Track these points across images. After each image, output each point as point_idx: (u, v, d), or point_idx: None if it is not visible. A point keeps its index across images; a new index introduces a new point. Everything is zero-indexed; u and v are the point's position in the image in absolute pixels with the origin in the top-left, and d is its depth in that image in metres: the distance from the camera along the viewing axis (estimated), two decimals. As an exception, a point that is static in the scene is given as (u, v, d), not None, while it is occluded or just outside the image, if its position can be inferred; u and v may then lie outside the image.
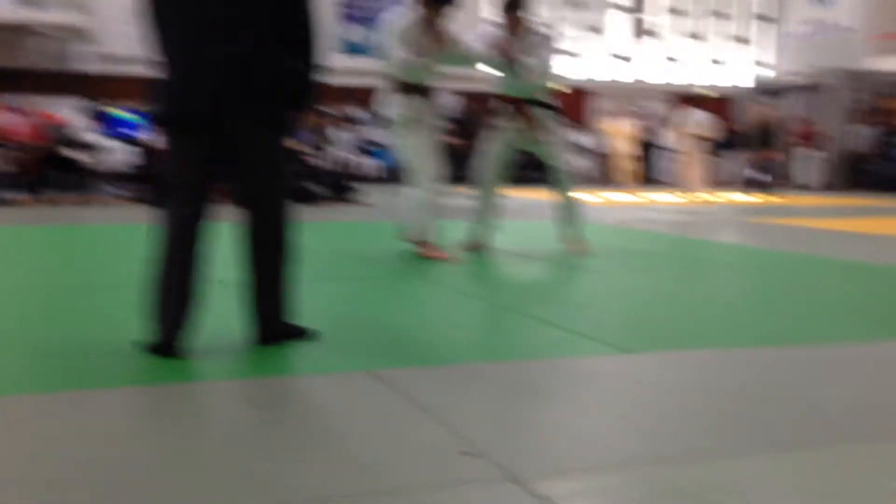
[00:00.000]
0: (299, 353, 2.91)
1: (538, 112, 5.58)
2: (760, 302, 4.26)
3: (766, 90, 21.36)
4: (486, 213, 5.87)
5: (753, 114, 15.83)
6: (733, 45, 23.82)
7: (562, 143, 5.74)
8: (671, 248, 6.82)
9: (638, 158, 15.80)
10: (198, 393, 2.50)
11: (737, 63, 23.80)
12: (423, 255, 5.20)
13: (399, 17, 5.25)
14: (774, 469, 1.91)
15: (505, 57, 5.45)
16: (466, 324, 3.71)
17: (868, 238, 7.70)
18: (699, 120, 14.08)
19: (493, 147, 5.74)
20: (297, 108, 2.95)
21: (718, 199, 13.98)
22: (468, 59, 5.60)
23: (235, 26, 2.80)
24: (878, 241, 7.52)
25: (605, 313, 3.82)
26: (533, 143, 5.66)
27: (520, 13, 5.48)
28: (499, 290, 4.47)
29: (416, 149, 5.22)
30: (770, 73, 23.32)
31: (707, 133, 13.95)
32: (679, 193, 13.76)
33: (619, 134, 14.05)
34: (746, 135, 16.10)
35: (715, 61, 23.61)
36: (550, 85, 5.69)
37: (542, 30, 5.66)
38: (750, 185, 15.25)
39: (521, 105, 5.55)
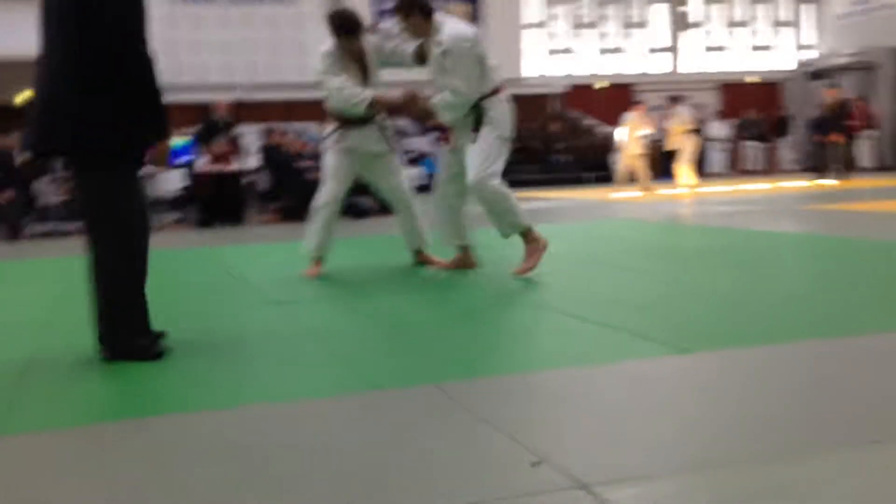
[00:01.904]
0: (356, 366, 2.94)
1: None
2: (819, 291, 4.19)
3: (815, 73, 20.95)
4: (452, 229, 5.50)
5: (820, 97, 15.62)
6: (778, 29, 23.41)
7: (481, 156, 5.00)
8: (723, 241, 6.73)
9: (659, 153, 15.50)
10: (266, 413, 2.54)
11: (782, 48, 23.39)
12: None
13: (325, 48, 5.24)
14: (844, 469, 1.88)
15: (386, 106, 5.28)
16: (520, 331, 3.71)
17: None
18: (683, 114, 14.07)
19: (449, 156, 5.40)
20: (110, 146, 3.00)
21: (771, 187, 13.77)
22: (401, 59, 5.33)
23: (45, 72, 2.99)
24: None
25: (661, 313, 3.79)
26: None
27: (409, 15, 5.00)
28: (553, 295, 4.45)
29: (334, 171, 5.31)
30: (815, 56, 22.86)
31: (691, 126, 13.89)
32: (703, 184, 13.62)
33: (642, 128, 13.84)
34: (817, 118, 15.90)
35: (760, 47, 23.23)
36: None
37: (446, 39, 4.91)
38: (812, 170, 15.05)
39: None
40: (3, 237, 9.49)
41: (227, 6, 19.65)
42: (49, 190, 10.71)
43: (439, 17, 4.92)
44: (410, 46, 5.19)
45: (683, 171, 13.65)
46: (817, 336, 3.18)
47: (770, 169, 15.66)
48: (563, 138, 19.40)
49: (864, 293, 4.07)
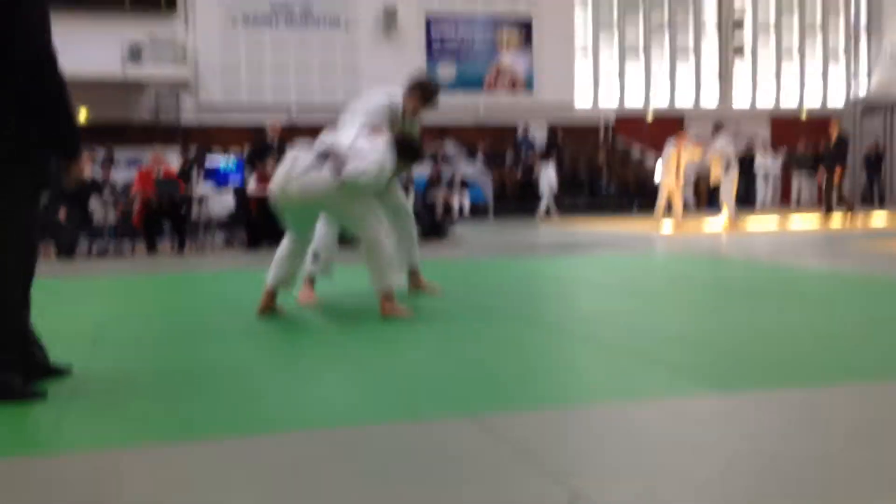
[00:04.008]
0: (388, 399, 2.97)
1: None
2: (866, 332, 4.11)
3: (867, 107, 20.66)
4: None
5: (840, 131, 15.20)
6: (830, 62, 23.14)
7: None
8: (766, 276, 6.65)
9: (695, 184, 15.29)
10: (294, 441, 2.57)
11: (834, 81, 23.11)
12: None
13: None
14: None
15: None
16: (560, 363, 3.70)
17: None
18: (724, 144, 13.74)
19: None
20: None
21: (817, 224, 13.56)
22: None
23: None
24: None
25: (704, 348, 3.76)
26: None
27: (425, 104, 5.44)
28: (595, 327, 4.44)
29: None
30: (868, 90, 22.54)
31: (732, 156, 13.61)
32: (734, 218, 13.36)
33: (684, 158, 13.59)
34: (824, 153, 15.57)
35: (811, 80, 22.98)
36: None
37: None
38: (842, 203, 14.75)
39: None
40: (59, 255, 9.72)
41: (284, 30, 20.03)
42: (102, 209, 10.97)
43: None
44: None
45: (724, 204, 13.44)
46: (862, 379, 3.13)
47: (820, 202, 15.40)
48: (610, 168, 19.34)
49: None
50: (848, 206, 14.73)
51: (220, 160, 11.56)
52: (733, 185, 13.58)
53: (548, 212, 17.52)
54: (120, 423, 2.74)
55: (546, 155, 19.18)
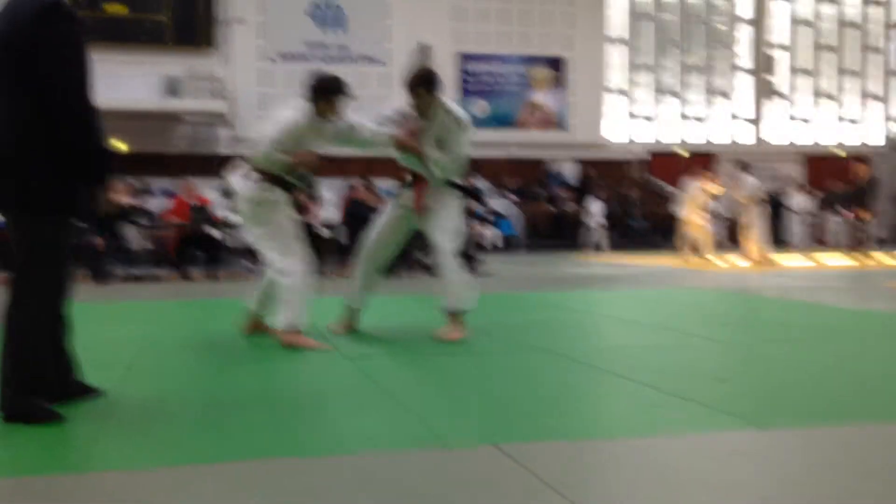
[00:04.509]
0: (419, 425, 2.97)
1: (444, 192, 5.15)
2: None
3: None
4: (363, 290, 5.45)
5: (856, 173, 15.02)
6: (866, 102, 22.99)
7: (453, 224, 5.13)
8: (799, 315, 6.57)
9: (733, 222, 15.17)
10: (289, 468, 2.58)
11: (870, 121, 22.94)
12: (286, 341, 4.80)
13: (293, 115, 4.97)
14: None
15: (409, 147, 5.09)
16: (591, 397, 3.68)
17: None
18: (753, 183, 13.61)
19: (384, 222, 5.38)
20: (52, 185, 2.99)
21: (851, 262, 13.39)
22: (370, 144, 5.24)
23: None
24: None
25: (737, 385, 3.71)
26: (420, 221, 5.24)
27: (429, 92, 5.06)
28: (628, 361, 4.41)
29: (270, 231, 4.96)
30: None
31: (760, 196, 13.49)
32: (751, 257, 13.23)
33: (707, 196, 13.51)
34: (847, 194, 15.36)
35: (846, 120, 22.83)
36: (461, 169, 5.26)
37: (456, 112, 5.15)
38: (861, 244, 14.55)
39: (422, 185, 5.17)
40: (94, 280, 9.88)
41: (320, 63, 20.37)
42: (138, 236, 11.15)
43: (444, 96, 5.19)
44: (388, 129, 5.26)
45: (751, 243, 13.33)
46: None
47: (853, 243, 15.21)
48: (641, 204, 19.30)
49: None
50: (866, 245, 14.56)
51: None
52: (764, 223, 13.47)
53: (598, 246, 17.73)
54: (145, 446, 2.77)
55: (586, 190, 19.36)
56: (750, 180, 13.75)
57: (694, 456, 2.64)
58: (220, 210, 11.59)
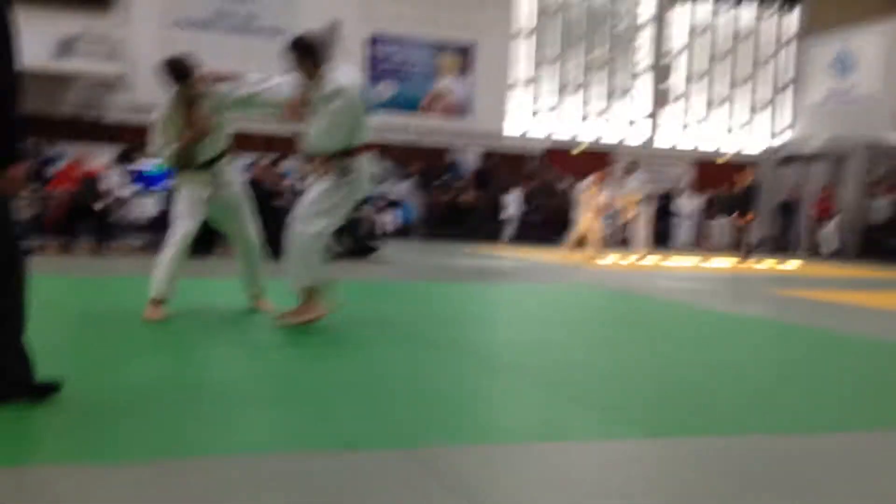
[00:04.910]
0: (317, 425, 2.99)
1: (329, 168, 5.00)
2: (784, 383, 4.28)
3: (785, 158, 21.52)
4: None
5: (739, 178, 15.81)
6: (755, 111, 24.05)
7: (319, 206, 4.97)
8: (684, 317, 6.87)
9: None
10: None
11: (757, 130, 24.03)
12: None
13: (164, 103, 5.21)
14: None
15: (290, 115, 5.11)
16: (491, 396, 3.74)
17: (882, 313, 7.72)
18: (638, 184, 14.08)
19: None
20: None
21: (731, 266, 14.02)
22: (261, 105, 5.31)
23: None
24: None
25: (632, 389, 3.86)
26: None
27: (300, 58, 5.01)
28: (525, 359, 4.51)
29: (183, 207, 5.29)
30: (788, 141, 23.52)
31: (644, 197, 14.00)
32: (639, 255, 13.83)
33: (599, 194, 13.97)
34: (730, 198, 16.11)
35: (735, 127, 23.84)
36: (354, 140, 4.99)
37: (334, 81, 4.96)
38: (740, 248, 15.32)
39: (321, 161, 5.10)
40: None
41: (224, 35, 19.83)
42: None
43: (333, 65, 5.01)
44: (282, 93, 5.21)
45: (635, 243, 13.83)
46: (782, 431, 3.26)
47: (737, 247, 15.94)
48: (537, 198, 19.65)
49: (827, 388, 4.21)
50: (748, 249, 15.29)
51: (150, 164, 11.34)
52: (649, 223, 13.98)
53: (510, 238, 18.17)
54: (24, 445, 2.70)
55: (486, 181, 19.65)
56: (635, 181, 14.14)
57: (595, 463, 2.75)
58: (112, 181, 11.22)
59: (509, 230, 18.58)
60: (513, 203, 18.84)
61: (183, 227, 5.23)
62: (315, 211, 4.97)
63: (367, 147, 5.12)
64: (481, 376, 4.12)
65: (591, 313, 7.00)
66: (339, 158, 4.97)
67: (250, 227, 5.65)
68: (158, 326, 4.93)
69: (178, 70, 5.20)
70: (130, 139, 17.12)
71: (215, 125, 5.27)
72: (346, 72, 5.13)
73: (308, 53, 4.99)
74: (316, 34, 5.14)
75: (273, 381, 3.80)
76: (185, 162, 5.28)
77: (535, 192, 19.78)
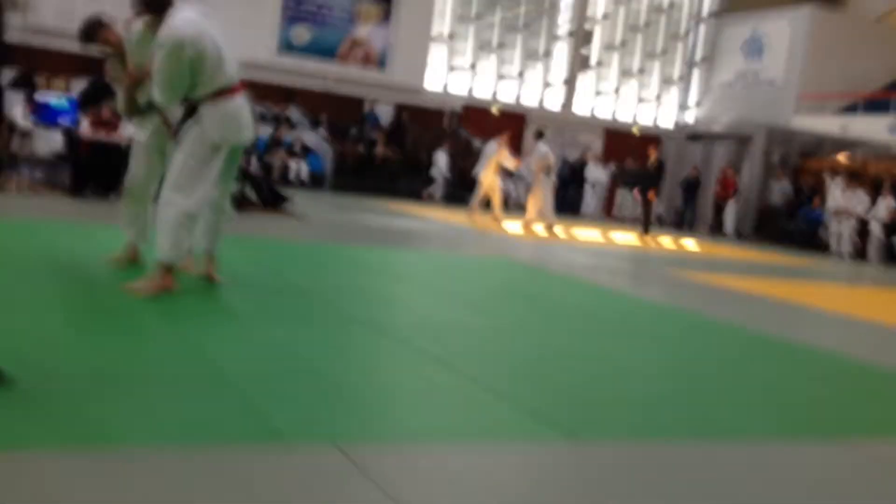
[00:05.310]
0: (248, 413, 2.91)
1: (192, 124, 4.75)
2: (697, 385, 4.41)
3: (692, 135, 22.07)
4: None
5: (650, 152, 16.10)
6: (666, 86, 24.50)
7: (177, 167, 4.73)
8: (594, 300, 7.00)
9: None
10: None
11: (668, 104, 24.51)
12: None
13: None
14: None
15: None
16: (412, 388, 3.70)
17: (791, 308, 8.06)
18: (542, 152, 14.06)
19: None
20: None
21: (626, 242, 14.36)
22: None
23: None
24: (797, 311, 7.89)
25: (548, 383, 3.89)
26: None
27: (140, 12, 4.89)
28: (441, 345, 4.49)
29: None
30: (695, 118, 24.12)
31: (547, 165, 14.00)
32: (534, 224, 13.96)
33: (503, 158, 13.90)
34: (636, 173, 16.39)
35: (647, 100, 24.25)
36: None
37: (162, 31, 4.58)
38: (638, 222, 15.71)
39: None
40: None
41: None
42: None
43: (175, 9, 4.65)
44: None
45: (532, 211, 13.90)
46: (704, 436, 3.36)
47: (639, 222, 16.29)
48: (450, 157, 19.61)
49: (738, 391, 4.35)
50: (648, 224, 15.68)
51: (52, 96, 10.76)
52: (551, 192, 14.07)
53: (431, 196, 18.05)
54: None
55: (398, 135, 19.46)
56: (541, 149, 14.09)
57: (504, 465, 2.77)
58: (16, 111, 10.60)
59: (439, 190, 18.52)
60: (441, 163, 18.67)
61: (129, 173, 5.40)
62: (174, 184, 4.68)
63: (234, 89, 4.76)
64: (402, 362, 4.09)
65: (503, 292, 7.06)
66: (189, 110, 4.73)
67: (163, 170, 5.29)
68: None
69: (83, 32, 5.28)
70: (27, 63, 16.21)
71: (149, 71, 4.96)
72: (182, 17, 4.60)
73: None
74: None
75: (173, 362, 3.66)
76: (130, 109, 5.29)
77: (458, 152, 19.72)
